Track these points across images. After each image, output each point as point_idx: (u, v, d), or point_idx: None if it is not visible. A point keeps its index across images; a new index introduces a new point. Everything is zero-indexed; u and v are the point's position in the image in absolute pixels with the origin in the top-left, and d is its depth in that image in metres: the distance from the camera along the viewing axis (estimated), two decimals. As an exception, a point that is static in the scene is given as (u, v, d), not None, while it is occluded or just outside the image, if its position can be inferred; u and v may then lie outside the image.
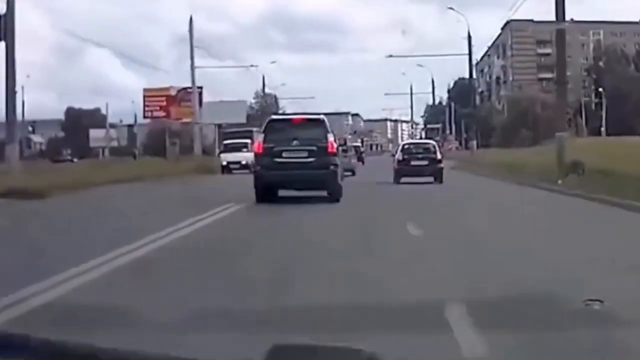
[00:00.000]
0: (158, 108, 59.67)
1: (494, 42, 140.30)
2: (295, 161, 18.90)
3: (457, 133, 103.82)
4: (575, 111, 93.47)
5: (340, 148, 22.83)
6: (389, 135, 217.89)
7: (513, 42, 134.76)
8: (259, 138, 20.03)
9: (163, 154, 63.22)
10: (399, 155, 34.30)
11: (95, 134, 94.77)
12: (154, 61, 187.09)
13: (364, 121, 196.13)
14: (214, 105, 71.41)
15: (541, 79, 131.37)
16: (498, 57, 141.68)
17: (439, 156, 34.02)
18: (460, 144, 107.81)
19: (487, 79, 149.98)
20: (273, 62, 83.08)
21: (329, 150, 19.06)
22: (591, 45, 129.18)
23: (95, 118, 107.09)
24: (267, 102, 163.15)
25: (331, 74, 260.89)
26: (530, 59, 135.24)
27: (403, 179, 32.46)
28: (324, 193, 20.00)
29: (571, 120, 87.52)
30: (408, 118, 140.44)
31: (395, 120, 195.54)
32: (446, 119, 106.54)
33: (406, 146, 36.28)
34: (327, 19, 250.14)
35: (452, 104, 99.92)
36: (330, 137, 19.27)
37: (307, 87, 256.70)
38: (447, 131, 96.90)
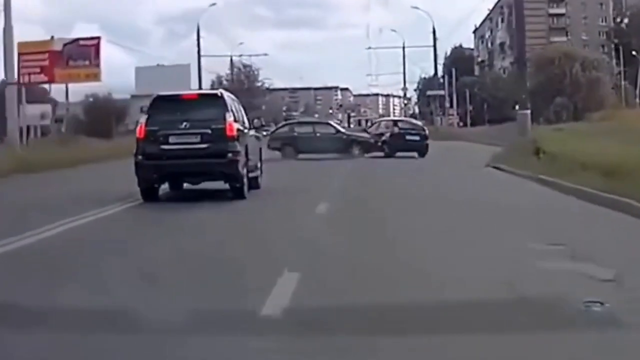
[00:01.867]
0: (38, 70, 44.39)
1: (497, 3, 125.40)
2: (184, 147, 16.51)
3: (460, 106, 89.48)
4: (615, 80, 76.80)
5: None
6: (380, 111, 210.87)
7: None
8: (142, 119, 17.29)
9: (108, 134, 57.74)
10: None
11: (31, 110, 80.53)
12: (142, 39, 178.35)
13: (354, 96, 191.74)
14: (147, 71, 59.48)
15: (554, 44, 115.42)
16: (502, 20, 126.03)
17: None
18: (462, 119, 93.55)
19: (489, 45, 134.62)
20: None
21: (228, 133, 16.57)
22: (611, 4, 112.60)
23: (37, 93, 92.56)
24: (246, 75, 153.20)
25: (318, 50, 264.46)
26: (541, 20, 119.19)
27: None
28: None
29: (618, 88, 73.21)
30: (397, 92, 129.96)
31: (387, 95, 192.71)
32: (445, 90, 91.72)
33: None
34: None
35: (454, 70, 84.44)
36: (230, 117, 16.79)
37: (294, 62, 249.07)
38: (447, 104, 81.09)
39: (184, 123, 16.57)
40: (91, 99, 76.92)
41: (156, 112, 17.00)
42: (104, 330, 6.03)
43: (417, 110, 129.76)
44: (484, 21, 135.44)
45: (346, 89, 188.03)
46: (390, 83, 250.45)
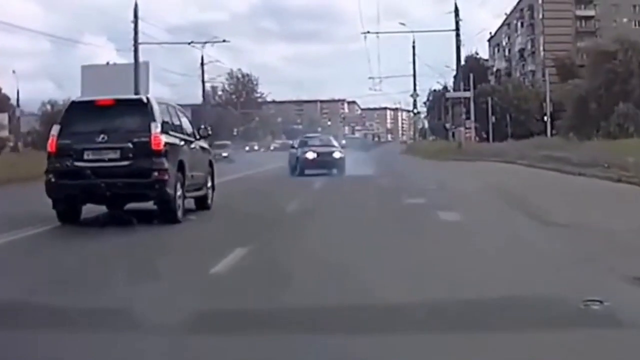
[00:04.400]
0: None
1: (516, 6, 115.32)
2: (100, 165, 14.90)
3: (477, 119, 79.64)
4: None
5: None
6: (388, 125, 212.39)
7: (544, 1, 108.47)
8: (54, 130, 15.54)
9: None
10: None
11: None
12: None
13: (362, 109, 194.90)
14: (96, 70, 50.00)
15: (582, 50, 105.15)
16: (522, 25, 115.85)
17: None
18: (478, 133, 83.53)
19: (506, 53, 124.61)
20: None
21: (153, 147, 14.85)
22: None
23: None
24: (244, 84, 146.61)
25: (325, 63, 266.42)
26: (566, 23, 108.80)
27: None
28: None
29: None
30: (404, 106, 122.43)
31: (396, 109, 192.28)
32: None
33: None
34: (319, 8, 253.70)
35: (471, 76, 73.70)
36: (156, 128, 14.97)
37: (300, 75, 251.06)
38: (463, 115, 70.30)
39: (102, 135, 15.08)
40: (48, 106, 67.21)
41: (70, 122, 15.64)
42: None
43: (426, 125, 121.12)
44: (500, 27, 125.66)
45: (353, 102, 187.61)
46: (397, 91, 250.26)
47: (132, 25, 56.15)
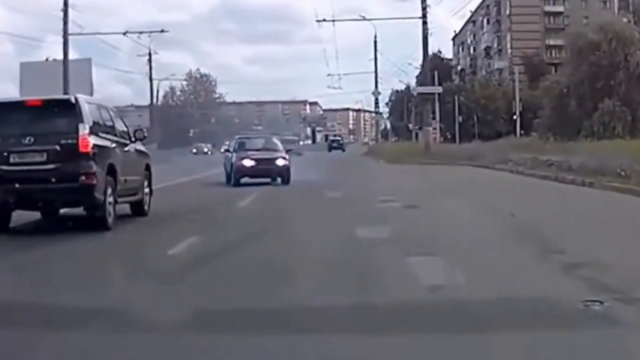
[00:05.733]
0: None
1: (482, 3, 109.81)
2: (27, 169, 14.21)
3: (442, 119, 74.53)
4: None
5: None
6: (350, 126, 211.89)
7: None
8: None
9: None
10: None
11: None
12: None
13: (324, 110, 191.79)
14: (35, 67, 47.75)
15: (551, 47, 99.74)
16: (488, 22, 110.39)
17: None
18: (443, 134, 78.54)
19: (471, 52, 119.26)
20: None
21: (81, 149, 14.16)
22: (616, 1, 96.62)
23: None
24: (203, 85, 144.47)
25: (287, 64, 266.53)
26: (535, 19, 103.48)
27: None
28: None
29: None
30: (366, 106, 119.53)
31: (358, 110, 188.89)
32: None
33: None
34: (279, 9, 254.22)
35: (437, 74, 67.84)
36: (84, 129, 14.28)
37: (262, 76, 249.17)
38: (431, 114, 64.52)
39: (28, 138, 14.30)
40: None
41: None
42: None
43: (389, 126, 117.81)
44: (465, 25, 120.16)
45: (315, 103, 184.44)
46: (358, 90, 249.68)
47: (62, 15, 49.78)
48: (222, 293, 8.03)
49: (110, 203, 14.61)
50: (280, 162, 27.10)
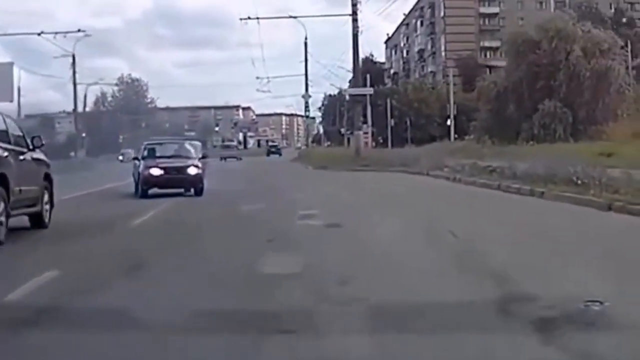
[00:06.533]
0: None
1: (416, 4, 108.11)
2: None
3: (374, 123, 72.70)
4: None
5: None
6: (283, 131, 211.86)
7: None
8: None
9: None
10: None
11: None
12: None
13: (257, 115, 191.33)
14: None
15: (485, 49, 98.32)
16: (422, 24, 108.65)
17: None
18: (375, 138, 76.98)
19: (404, 55, 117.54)
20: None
21: None
22: (552, 2, 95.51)
23: None
24: (133, 89, 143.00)
25: (221, 69, 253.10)
26: (469, 21, 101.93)
27: None
28: None
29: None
30: (298, 111, 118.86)
31: (291, 115, 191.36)
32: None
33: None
34: (212, 14, 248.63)
35: (369, 77, 65.54)
36: None
37: (196, 82, 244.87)
38: (362, 118, 62.23)
39: None
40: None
41: None
42: None
43: (321, 130, 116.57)
44: (398, 27, 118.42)
45: (248, 108, 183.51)
46: (289, 93, 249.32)
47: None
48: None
49: (1, 214, 13.47)
50: (191, 171, 24.33)
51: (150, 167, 24.36)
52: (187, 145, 27.78)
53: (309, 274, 8.77)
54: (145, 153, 25.96)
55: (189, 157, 25.53)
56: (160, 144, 27.59)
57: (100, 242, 12.85)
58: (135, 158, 27.09)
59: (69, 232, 14.41)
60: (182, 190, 24.08)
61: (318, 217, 15.25)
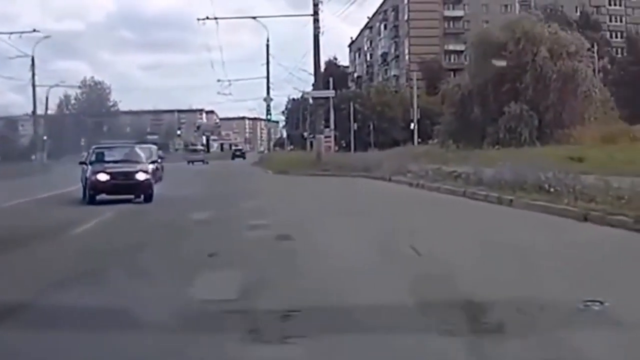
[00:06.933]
0: None
1: (379, 8, 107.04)
2: None
3: (337, 127, 71.49)
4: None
5: None
6: (247, 135, 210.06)
7: (410, 1, 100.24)
8: None
9: None
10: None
11: None
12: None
13: (220, 119, 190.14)
14: None
15: (450, 52, 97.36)
16: (386, 27, 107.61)
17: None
18: (338, 142, 75.88)
19: (368, 58, 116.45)
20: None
21: None
22: (517, 6, 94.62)
23: None
24: (95, 92, 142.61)
25: (185, 72, 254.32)
26: (434, 24, 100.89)
27: None
28: None
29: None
30: (261, 115, 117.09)
31: (254, 119, 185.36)
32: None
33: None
34: (175, 17, 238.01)
35: (332, 80, 64.35)
36: None
37: (160, 85, 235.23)
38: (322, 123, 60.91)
39: None
40: None
41: None
42: None
43: (284, 134, 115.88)
44: (362, 31, 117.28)
45: (211, 111, 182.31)
46: (252, 97, 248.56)
47: None
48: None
49: None
50: (140, 177, 22.93)
51: (98, 172, 22.97)
52: (138, 150, 26.33)
53: (245, 300, 7.42)
54: (94, 157, 24.53)
55: (138, 162, 24.13)
56: (110, 148, 26.10)
57: (24, 257, 11.47)
58: (83, 162, 25.61)
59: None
60: (131, 196, 22.78)
61: (269, 227, 13.92)
